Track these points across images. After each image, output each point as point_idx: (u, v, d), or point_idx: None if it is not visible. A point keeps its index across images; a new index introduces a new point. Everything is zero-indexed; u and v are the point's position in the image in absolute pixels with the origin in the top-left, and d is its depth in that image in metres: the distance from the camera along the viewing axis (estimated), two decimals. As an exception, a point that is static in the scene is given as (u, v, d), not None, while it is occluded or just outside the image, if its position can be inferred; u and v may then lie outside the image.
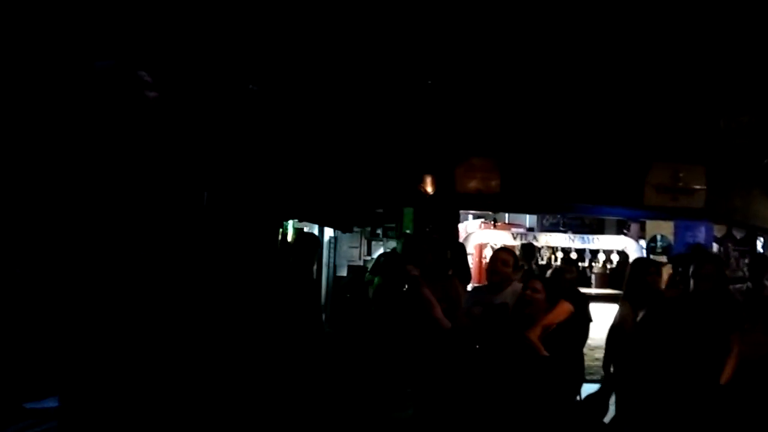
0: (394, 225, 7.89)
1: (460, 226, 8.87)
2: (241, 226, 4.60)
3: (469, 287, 5.28)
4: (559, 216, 11.31)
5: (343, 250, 9.13)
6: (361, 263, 8.78)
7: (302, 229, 7.43)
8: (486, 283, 4.50)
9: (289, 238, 6.89)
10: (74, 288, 3.25)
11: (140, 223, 3.29)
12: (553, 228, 11.16)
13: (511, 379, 3.44)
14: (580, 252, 9.68)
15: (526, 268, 6.61)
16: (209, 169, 4.13)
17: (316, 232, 7.71)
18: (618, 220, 10.68)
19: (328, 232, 8.60)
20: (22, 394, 3.47)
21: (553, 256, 9.52)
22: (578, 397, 4.04)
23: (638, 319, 3.89)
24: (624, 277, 4.41)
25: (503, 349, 3.55)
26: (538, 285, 3.66)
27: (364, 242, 9.21)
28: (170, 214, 3.56)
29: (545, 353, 3.36)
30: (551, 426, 3.36)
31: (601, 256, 9.80)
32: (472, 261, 8.73)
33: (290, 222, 7.08)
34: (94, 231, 3.21)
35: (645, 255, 8.18)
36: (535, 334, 3.42)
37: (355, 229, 8.52)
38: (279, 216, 5.67)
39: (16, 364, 3.67)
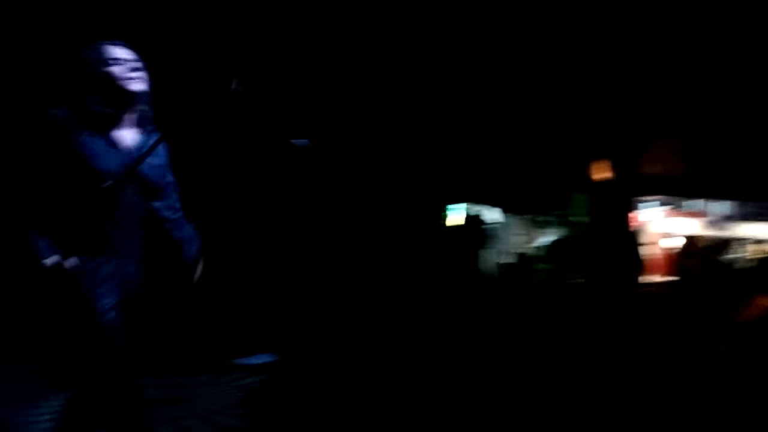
0: (563, 212, 7.66)
1: (640, 213, 8.29)
2: (405, 210, 4.87)
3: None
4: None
5: (507, 237, 9.07)
6: (527, 251, 8.66)
7: (470, 213, 7.52)
8: (669, 275, 4.22)
9: (456, 222, 7.03)
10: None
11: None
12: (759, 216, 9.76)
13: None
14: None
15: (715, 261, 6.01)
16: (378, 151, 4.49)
17: (483, 217, 7.75)
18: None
19: (494, 218, 8.60)
20: (234, 351, 4.07)
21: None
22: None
23: None
24: None
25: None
26: None
27: (530, 229, 9.06)
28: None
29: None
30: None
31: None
32: (652, 251, 8.13)
33: (457, 205, 7.20)
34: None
35: None
36: None
37: (522, 216, 8.41)
38: (443, 199, 5.81)
39: (230, 324, 4.33)
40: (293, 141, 3.63)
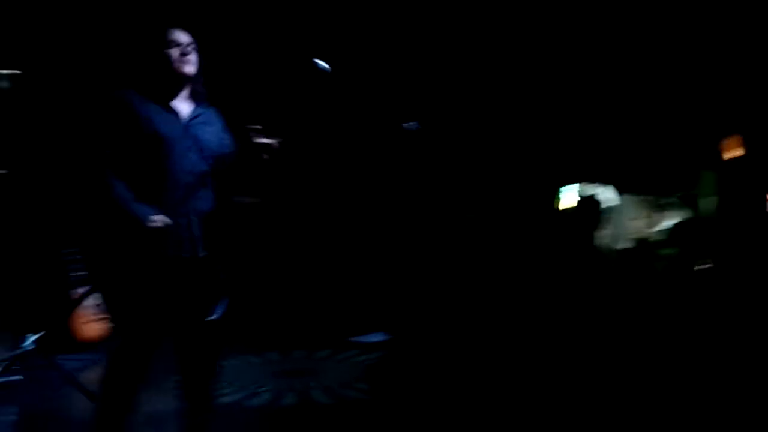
0: (688, 192, 7.12)
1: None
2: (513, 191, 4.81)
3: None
4: None
5: (625, 220, 8.60)
6: (647, 235, 8.16)
7: (584, 195, 7.22)
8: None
9: (569, 205, 6.78)
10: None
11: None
12: None
13: None
14: None
15: None
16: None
17: (598, 199, 7.42)
18: None
19: (610, 200, 8.19)
20: (351, 328, 4.28)
21: None
22: None
23: None
24: None
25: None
26: None
27: (651, 211, 8.51)
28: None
29: None
30: None
31: None
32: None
33: (570, 186, 6.93)
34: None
35: None
36: None
37: (641, 196, 7.93)
38: (556, 179, 5.62)
39: (347, 302, 4.57)
40: (403, 125, 3.71)
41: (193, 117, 2.16)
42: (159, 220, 1.97)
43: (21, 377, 3.14)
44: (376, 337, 4.16)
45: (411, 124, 3.82)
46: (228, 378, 3.32)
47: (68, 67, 4.38)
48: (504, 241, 4.90)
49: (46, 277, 3.83)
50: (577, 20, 4.86)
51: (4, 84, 4.22)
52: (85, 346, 3.69)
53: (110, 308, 3.86)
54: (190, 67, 2.11)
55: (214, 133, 2.20)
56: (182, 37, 2.11)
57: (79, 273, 3.79)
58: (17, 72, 4.18)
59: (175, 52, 2.09)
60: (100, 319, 3.75)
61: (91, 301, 3.75)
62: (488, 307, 4.49)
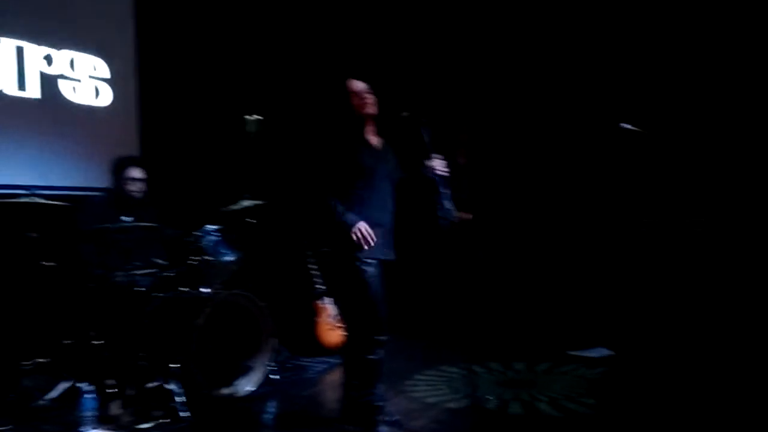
0: None
1: None
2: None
3: None
4: None
5: None
6: None
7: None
8: None
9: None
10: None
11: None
12: None
13: None
14: None
15: None
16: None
17: None
18: None
19: None
20: (567, 341, 4.21)
21: None
22: None
23: None
24: None
25: None
26: None
27: None
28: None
29: None
30: None
31: None
32: None
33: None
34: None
35: None
36: None
37: None
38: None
39: (568, 315, 4.51)
40: (622, 125, 3.61)
41: (382, 149, 2.81)
42: (362, 227, 2.57)
43: (279, 377, 3.71)
44: (597, 352, 4.03)
45: (626, 125, 3.67)
46: (455, 384, 3.54)
47: (296, 113, 5.15)
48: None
49: (296, 290, 4.48)
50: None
51: (252, 127, 5.06)
52: (329, 351, 4.22)
53: (341, 312, 4.40)
54: (370, 109, 2.74)
55: (393, 161, 2.85)
56: (361, 86, 2.74)
57: (321, 285, 4.37)
58: (260, 118, 5.00)
59: (357, 98, 2.72)
60: (339, 327, 4.25)
61: (332, 310, 4.28)
62: (713, 323, 4.07)
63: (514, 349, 4.22)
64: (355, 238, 2.55)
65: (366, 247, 2.58)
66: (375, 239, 2.60)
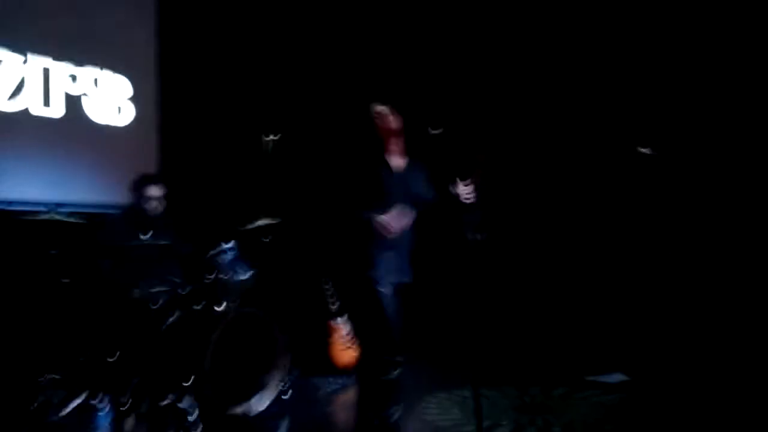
0: None
1: None
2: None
3: None
4: None
5: None
6: None
7: None
8: None
9: None
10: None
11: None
12: None
13: None
14: None
15: None
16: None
17: None
18: None
19: None
20: (584, 366, 4.14)
21: None
22: None
23: None
24: None
25: None
26: None
27: None
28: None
29: None
30: None
31: None
32: None
33: None
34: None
35: None
36: None
37: None
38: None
39: (584, 340, 4.44)
40: (640, 148, 3.58)
41: (405, 170, 2.79)
42: (384, 218, 2.59)
43: (291, 396, 3.70)
44: (614, 378, 3.95)
45: (645, 149, 3.65)
46: (469, 409, 3.48)
47: (316, 134, 5.19)
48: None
49: (310, 310, 4.48)
50: None
51: (268, 148, 5.12)
52: (342, 371, 4.20)
53: (356, 333, 4.38)
54: (393, 124, 2.73)
55: (419, 181, 2.81)
56: (384, 108, 2.75)
57: (335, 305, 4.36)
58: (276, 138, 5.06)
59: (381, 118, 2.72)
60: (353, 347, 4.24)
61: (346, 330, 4.27)
62: (731, 350, 3.98)
63: (530, 373, 4.16)
64: (378, 227, 2.59)
65: (388, 237, 2.61)
66: (393, 263, 2.65)
